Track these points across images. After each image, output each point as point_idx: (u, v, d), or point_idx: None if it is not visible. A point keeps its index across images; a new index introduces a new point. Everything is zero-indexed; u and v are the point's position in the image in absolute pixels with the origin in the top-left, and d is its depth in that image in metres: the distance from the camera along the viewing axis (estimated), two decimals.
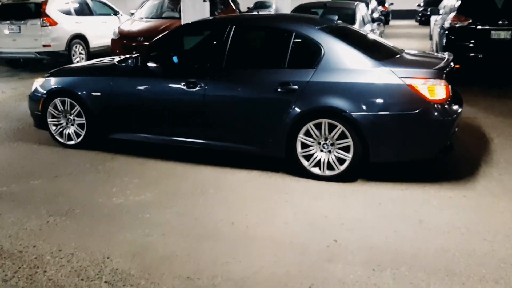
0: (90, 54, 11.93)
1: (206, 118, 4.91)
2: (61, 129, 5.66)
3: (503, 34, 8.05)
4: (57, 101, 5.56)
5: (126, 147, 5.53)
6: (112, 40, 10.37)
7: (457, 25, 8.25)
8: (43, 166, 5.12)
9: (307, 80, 4.48)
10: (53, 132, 5.70)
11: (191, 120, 4.99)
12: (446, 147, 4.49)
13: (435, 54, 5.41)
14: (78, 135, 5.59)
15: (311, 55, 4.59)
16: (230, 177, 4.75)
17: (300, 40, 4.66)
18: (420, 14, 26.30)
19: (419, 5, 27.69)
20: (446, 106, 4.32)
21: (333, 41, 4.57)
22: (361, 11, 9.75)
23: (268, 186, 4.52)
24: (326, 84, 4.44)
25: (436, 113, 4.24)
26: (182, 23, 8.41)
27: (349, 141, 4.41)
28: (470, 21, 8.21)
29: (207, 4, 8.29)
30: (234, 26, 4.86)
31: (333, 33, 4.69)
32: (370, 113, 4.30)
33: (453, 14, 8.51)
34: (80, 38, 11.56)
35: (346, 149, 4.47)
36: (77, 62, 11.54)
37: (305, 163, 4.63)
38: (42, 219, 3.87)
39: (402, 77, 4.27)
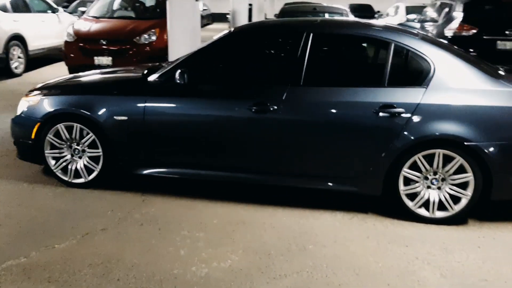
0: (29, 59, 10.12)
1: (278, 149, 3.87)
2: (64, 164, 4.29)
3: (509, 45, 7.80)
4: (61, 127, 4.19)
5: (148, 184, 4.32)
6: (66, 43, 8.73)
7: (462, 34, 7.88)
8: (56, 217, 3.77)
9: (417, 102, 3.64)
10: (52, 168, 4.31)
11: (257, 151, 3.92)
12: None
13: None
14: (89, 171, 4.26)
15: (418, 71, 3.75)
16: (315, 222, 3.77)
17: (401, 52, 3.80)
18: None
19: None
20: None
21: (442, 54, 3.77)
22: (350, 16, 9.11)
23: (372, 233, 3.62)
24: (441, 107, 3.62)
25: None
26: (169, 24, 7.20)
27: (469, 176, 3.64)
28: (476, 30, 7.88)
29: (199, 3, 7.15)
30: (312, 34, 3.86)
31: (436, 44, 3.89)
32: (497, 142, 3.56)
33: (456, 23, 8.13)
34: (17, 39, 9.72)
35: (461, 185, 3.70)
36: (16, 68, 9.70)
37: (409, 203, 3.78)
38: None
39: None
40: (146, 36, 8.64)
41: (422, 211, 3.79)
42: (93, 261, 3.16)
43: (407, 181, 3.78)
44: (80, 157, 4.26)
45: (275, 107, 3.78)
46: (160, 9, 9.80)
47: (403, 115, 3.64)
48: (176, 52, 7.13)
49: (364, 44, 4.02)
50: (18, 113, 4.42)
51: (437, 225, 3.76)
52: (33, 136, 4.25)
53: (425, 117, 3.63)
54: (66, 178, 4.30)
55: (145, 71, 4.33)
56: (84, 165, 4.25)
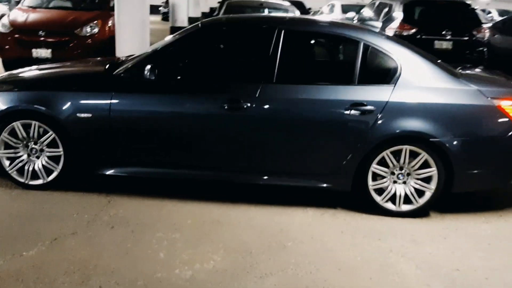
0: None
1: (250, 147, 3.86)
2: (19, 164, 4.01)
3: (445, 44, 8.26)
4: (17, 125, 3.91)
5: (112, 184, 4.16)
6: (1, 35, 8.12)
7: (403, 33, 8.24)
8: (17, 222, 3.52)
9: (386, 100, 3.76)
10: (7, 169, 4.01)
11: (229, 149, 3.89)
12: None
13: (489, 70, 5.01)
14: (48, 172, 4.02)
15: (386, 69, 3.88)
16: (289, 219, 3.80)
17: (369, 51, 3.89)
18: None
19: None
20: None
21: (407, 53, 3.92)
22: (296, 13, 9.22)
23: (345, 228, 3.71)
24: (408, 104, 3.77)
25: None
26: (116, 16, 6.94)
27: (433, 170, 3.82)
28: (415, 30, 8.27)
29: None
30: (283, 31, 3.87)
31: (400, 44, 4.03)
32: (459, 138, 3.77)
33: (396, 22, 8.48)
34: None
35: (425, 179, 3.88)
36: None
37: (377, 197, 3.91)
38: None
39: (490, 98, 3.82)
40: (88, 28, 8.27)
41: (389, 205, 3.93)
42: (68, 268, 2.99)
43: (375, 177, 3.90)
44: (37, 157, 4.01)
45: (249, 104, 3.76)
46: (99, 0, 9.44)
47: (373, 112, 3.75)
48: (124, 46, 6.92)
49: (334, 42, 4.08)
50: None
51: (403, 218, 3.92)
52: None
53: (394, 115, 3.76)
54: (22, 180, 4.03)
55: (107, 66, 4.14)
56: (43, 165, 4.00)
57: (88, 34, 8.25)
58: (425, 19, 8.43)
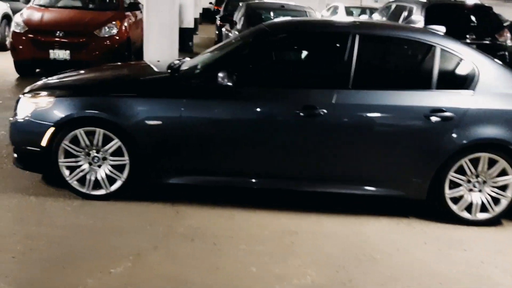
0: None
1: (325, 154, 3.74)
2: (81, 174, 3.80)
3: None
4: (80, 132, 3.70)
5: (173, 193, 3.99)
6: (15, 34, 7.81)
7: None
8: (90, 236, 3.32)
9: (466, 107, 3.68)
10: (67, 178, 3.80)
11: (303, 157, 3.75)
12: None
13: None
14: (111, 181, 3.82)
15: (464, 75, 3.80)
16: (366, 230, 3.68)
17: (446, 56, 3.80)
18: None
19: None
20: None
21: (483, 59, 3.85)
22: (314, 15, 9.12)
23: (426, 239, 3.61)
24: (488, 111, 3.70)
25: None
26: (146, 15, 6.71)
27: (510, 178, 3.76)
28: None
29: None
30: (358, 35, 3.75)
31: (474, 49, 3.96)
32: None
33: (419, 26, 8.42)
34: None
35: (502, 187, 3.81)
36: None
37: (453, 206, 3.82)
38: None
39: None
40: (106, 28, 8.03)
41: (465, 214, 3.85)
42: (161, 286, 2.82)
43: (453, 186, 3.81)
44: (99, 166, 3.81)
45: (325, 111, 3.64)
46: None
47: (452, 119, 3.66)
48: (153, 48, 6.70)
49: (409, 47, 3.97)
50: (21, 116, 3.85)
51: (478, 227, 3.84)
52: (44, 143, 3.72)
53: (473, 121, 3.68)
54: (83, 190, 3.82)
55: (168, 70, 3.97)
56: (106, 174, 3.80)
57: (107, 35, 8.01)
58: (447, 23, 8.37)
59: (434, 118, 3.66)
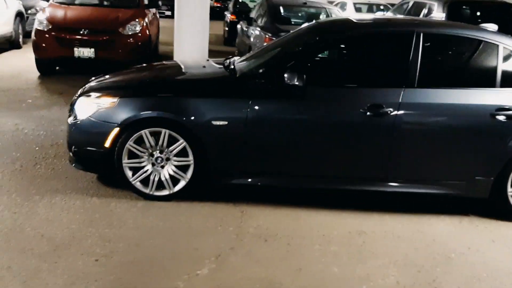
0: None
1: (390, 155, 3.74)
2: (144, 174, 3.77)
3: None
4: (146, 133, 3.68)
5: (230, 192, 3.98)
6: (38, 32, 7.71)
7: None
8: (165, 237, 3.30)
9: None
10: (130, 179, 3.77)
11: (367, 157, 3.76)
12: None
13: None
14: (174, 182, 3.80)
15: None
16: (432, 229, 3.70)
17: (509, 54, 3.82)
18: None
19: None
20: None
21: None
22: (335, 12, 9.11)
23: (494, 237, 3.65)
24: None
25: None
26: (177, 14, 6.67)
27: None
28: None
29: None
30: (422, 34, 3.76)
31: None
32: None
33: None
34: None
35: None
36: None
37: None
38: None
39: None
40: (130, 26, 7.96)
41: None
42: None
43: None
44: (162, 167, 3.78)
45: (391, 110, 3.64)
46: None
47: None
48: (185, 47, 6.68)
49: (471, 45, 3.97)
50: (81, 117, 3.81)
51: None
52: (108, 144, 3.69)
53: None
54: (146, 191, 3.79)
55: (228, 70, 3.95)
56: (170, 175, 3.77)
57: (130, 33, 7.94)
58: (469, 20, 8.42)
59: (499, 117, 3.68)
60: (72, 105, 4.04)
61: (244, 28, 9.69)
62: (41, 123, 5.64)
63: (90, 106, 3.81)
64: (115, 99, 3.73)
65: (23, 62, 9.25)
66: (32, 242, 3.11)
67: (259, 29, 8.34)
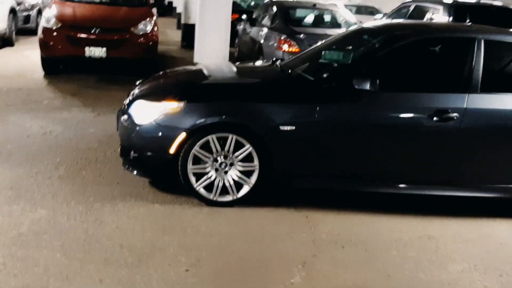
0: None
1: (453, 159, 3.79)
2: (208, 180, 3.70)
3: None
4: (213, 138, 3.61)
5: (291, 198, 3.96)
6: (46, 30, 7.42)
7: None
8: (245, 245, 3.24)
9: None
10: (195, 185, 3.69)
11: (432, 161, 3.80)
12: None
13: None
14: (238, 187, 3.74)
15: None
16: (495, 232, 3.77)
17: None
18: None
19: None
20: None
21: None
22: (343, 14, 9.16)
23: None
24: None
25: None
26: (200, 12, 6.58)
27: None
28: None
29: None
30: (483, 41, 3.82)
31: None
32: None
33: None
34: None
35: None
36: None
37: None
38: None
39: None
40: (142, 25, 7.79)
41: None
42: None
43: None
44: (225, 172, 3.71)
45: (457, 115, 3.68)
46: None
47: None
48: (207, 48, 6.58)
49: None
50: (143, 121, 3.70)
51: None
52: (174, 150, 3.60)
53: None
54: (210, 197, 3.72)
55: (289, 72, 3.94)
56: (234, 180, 3.71)
57: (141, 33, 7.76)
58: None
59: None
60: (124, 109, 3.93)
61: (248, 29, 9.63)
62: (68, 125, 5.45)
63: (152, 110, 3.70)
64: (182, 103, 3.63)
65: (21, 60, 8.95)
66: (114, 253, 3.01)
67: (271, 30, 8.29)
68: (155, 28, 8.17)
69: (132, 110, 3.84)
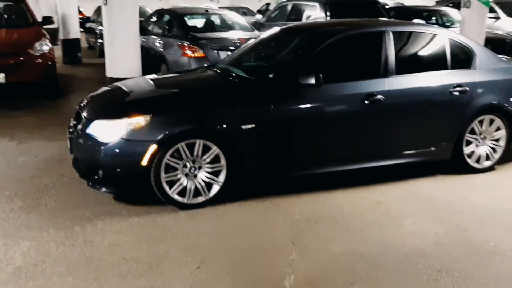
0: None
1: (382, 134, 4.48)
2: (181, 185, 3.91)
3: None
4: (182, 145, 3.83)
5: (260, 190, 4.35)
6: None
7: None
8: (239, 239, 3.55)
9: (474, 81, 4.73)
10: (169, 192, 3.88)
11: (366, 139, 4.45)
12: None
13: None
14: (208, 188, 4.00)
15: (466, 57, 4.84)
16: (424, 190, 4.52)
17: (453, 44, 4.81)
18: None
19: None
20: None
21: (474, 44, 4.96)
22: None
23: (472, 187, 4.58)
24: (488, 83, 4.80)
25: None
26: (107, 27, 6.56)
27: (503, 133, 4.93)
28: None
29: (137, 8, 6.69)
30: (391, 32, 4.55)
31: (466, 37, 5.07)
32: None
33: None
34: None
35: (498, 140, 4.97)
36: None
37: (469, 160, 4.88)
38: None
39: None
40: (39, 46, 7.49)
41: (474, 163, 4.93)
42: None
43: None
44: (195, 176, 3.96)
45: (382, 97, 4.35)
46: (16, 15, 8.53)
47: (467, 92, 4.67)
48: (120, 63, 6.60)
49: (427, 39, 4.85)
50: (108, 139, 3.79)
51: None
52: (146, 162, 3.75)
53: (479, 92, 4.74)
54: (184, 200, 3.93)
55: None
56: (205, 181, 3.97)
57: (39, 53, 7.46)
58: (349, 17, 9.67)
59: (455, 91, 4.64)
60: (80, 131, 3.98)
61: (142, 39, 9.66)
62: None
63: (116, 127, 3.81)
64: (148, 117, 3.80)
65: None
66: (123, 266, 3.13)
67: (170, 38, 8.47)
68: (51, 46, 7.91)
69: (93, 130, 3.90)
